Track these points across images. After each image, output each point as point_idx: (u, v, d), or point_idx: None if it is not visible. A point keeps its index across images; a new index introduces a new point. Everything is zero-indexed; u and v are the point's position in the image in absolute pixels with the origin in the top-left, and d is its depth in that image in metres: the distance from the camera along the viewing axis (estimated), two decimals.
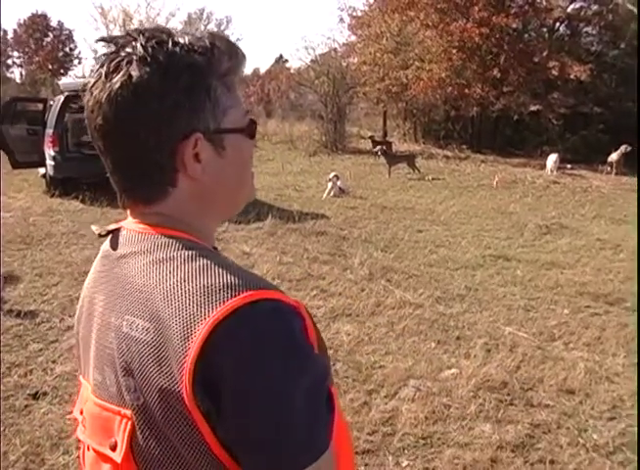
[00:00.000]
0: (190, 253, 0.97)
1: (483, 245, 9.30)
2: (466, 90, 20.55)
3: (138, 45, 0.97)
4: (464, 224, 10.96)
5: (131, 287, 0.97)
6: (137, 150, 0.99)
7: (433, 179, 16.73)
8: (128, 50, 0.97)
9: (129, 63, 0.96)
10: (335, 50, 25.27)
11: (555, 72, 18.44)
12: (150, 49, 0.96)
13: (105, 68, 0.98)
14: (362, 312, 5.98)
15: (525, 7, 19.36)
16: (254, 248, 8.17)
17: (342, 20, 25.16)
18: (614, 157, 17.51)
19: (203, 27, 46.28)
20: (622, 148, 17.22)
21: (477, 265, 8.17)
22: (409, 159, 17.22)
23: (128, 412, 0.95)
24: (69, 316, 5.37)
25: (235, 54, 1.04)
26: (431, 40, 20.53)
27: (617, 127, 19.03)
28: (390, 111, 26.54)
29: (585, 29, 20.64)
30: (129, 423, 0.94)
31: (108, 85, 0.96)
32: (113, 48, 1.00)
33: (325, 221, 10.30)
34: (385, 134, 25.41)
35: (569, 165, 18.39)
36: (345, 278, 7.07)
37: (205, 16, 45.91)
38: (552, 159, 17.82)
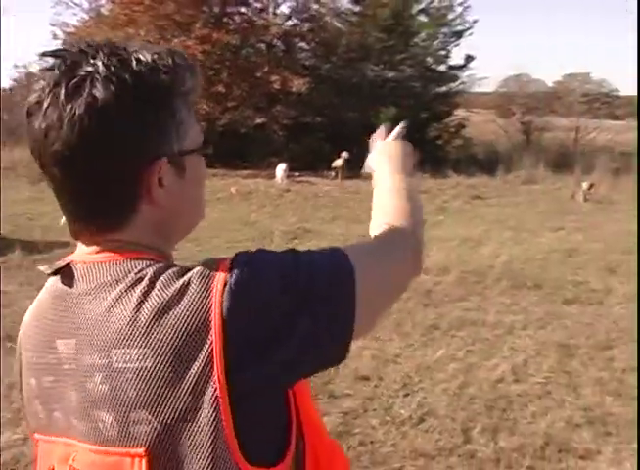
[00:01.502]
0: (159, 266, 0.94)
1: None
2: None
3: (99, 63, 0.91)
4: (214, 238, 11.03)
5: (109, 319, 0.91)
6: (99, 177, 0.93)
7: None
8: (88, 68, 0.91)
9: (92, 83, 0.90)
10: None
11: (277, 86, 19.28)
12: (113, 68, 0.91)
13: (61, 87, 0.90)
14: None
15: (243, 24, 20.05)
16: (8, 285, 7.54)
17: (55, 36, 23.89)
18: (338, 163, 18.74)
19: None
20: (344, 154, 18.50)
21: None
22: None
23: (140, 450, 0.90)
24: None
25: (194, 71, 1.01)
26: None
27: (335, 135, 20.35)
28: None
29: (300, 45, 21.92)
30: (143, 461, 0.89)
31: (69, 107, 0.89)
32: (62, 65, 0.92)
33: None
34: None
35: (296, 174, 19.30)
36: None
37: None
38: (281, 168, 18.52)
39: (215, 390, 0.86)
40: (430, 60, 22.48)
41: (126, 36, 20.51)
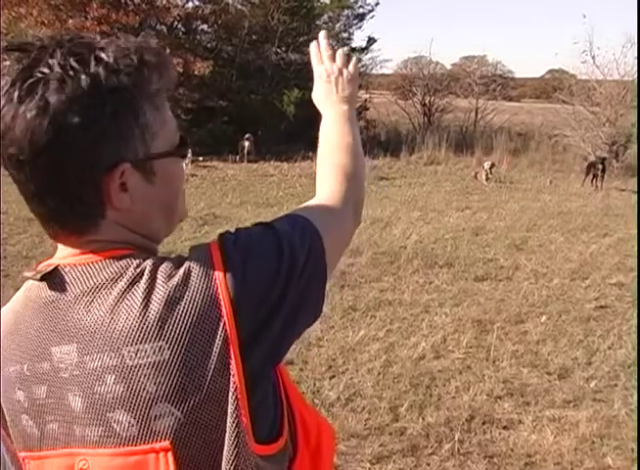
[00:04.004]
0: (154, 260, 0.93)
1: None
2: None
3: (55, 64, 0.86)
4: None
5: (115, 318, 0.89)
6: (58, 183, 0.89)
7: None
8: (44, 69, 0.86)
9: (45, 85, 0.85)
10: None
11: (179, 69, 18.93)
12: (69, 69, 0.86)
13: (16, 88, 0.86)
14: None
15: (142, 5, 19.49)
16: None
17: None
18: (243, 146, 18.62)
19: None
20: (247, 136, 18.38)
21: None
22: None
23: (165, 443, 0.88)
24: None
25: (165, 69, 0.95)
26: None
27: (239, 118, 20.15)
28: None
29: (202, 27, 21.53)
30: (169, 454, 0.88)
31: (21, 110, 0.85)
32: (23, 63, 0.88)
33: None
34: None
35: (200, 158, 19.02)
36: None
37: None
38: None
39: (233, 372, 0.88)
40: (332, 42, 22.50)
41: (17, 16, 19.64)
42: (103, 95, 0.87)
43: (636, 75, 17.78)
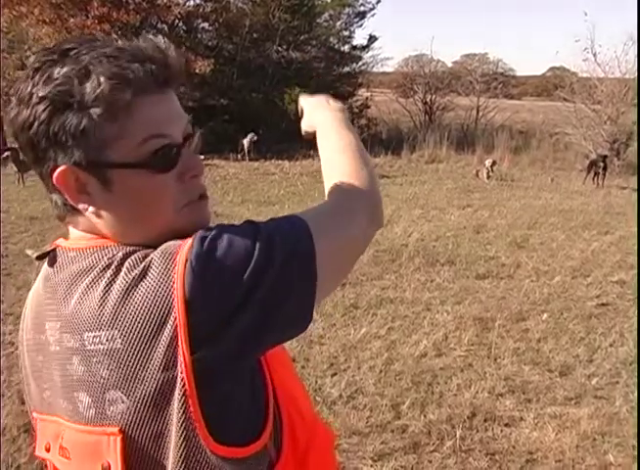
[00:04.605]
0: (128, 250, 0.96)
1: None
2: None
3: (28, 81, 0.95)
4: None
5: (82, 304, 0.94)
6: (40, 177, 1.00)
7: None
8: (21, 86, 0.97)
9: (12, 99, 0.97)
10: None
11: None
12: (23, 82, 0.96)
13: None
14: None
15: (143, 4, 19.45)
16: None
17: None
18: (244, 145, 18.63)
19: None
20: (250, 136, 18.39)
21: None
22: None
23: (114, 429, 0.93)
24: None
25: (122, 80, 0.93)
26: (49, 37, 19.56)
27: (240, 117, 20.14)
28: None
29: (203, 26, 21.53)
30: (118, 439, 0.93)
31: None
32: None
33: None
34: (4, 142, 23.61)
35: (202, 156, 18.89)
36: None
37: None
38: None
39: (181, 369, 0.88)
40: (333, 40, 22.58)
41: (18, 15, 19.64)
42: (34, 104, 0.93)
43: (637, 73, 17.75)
